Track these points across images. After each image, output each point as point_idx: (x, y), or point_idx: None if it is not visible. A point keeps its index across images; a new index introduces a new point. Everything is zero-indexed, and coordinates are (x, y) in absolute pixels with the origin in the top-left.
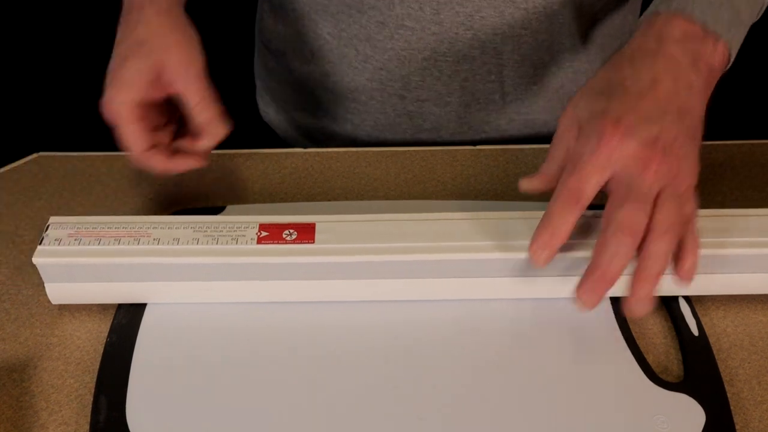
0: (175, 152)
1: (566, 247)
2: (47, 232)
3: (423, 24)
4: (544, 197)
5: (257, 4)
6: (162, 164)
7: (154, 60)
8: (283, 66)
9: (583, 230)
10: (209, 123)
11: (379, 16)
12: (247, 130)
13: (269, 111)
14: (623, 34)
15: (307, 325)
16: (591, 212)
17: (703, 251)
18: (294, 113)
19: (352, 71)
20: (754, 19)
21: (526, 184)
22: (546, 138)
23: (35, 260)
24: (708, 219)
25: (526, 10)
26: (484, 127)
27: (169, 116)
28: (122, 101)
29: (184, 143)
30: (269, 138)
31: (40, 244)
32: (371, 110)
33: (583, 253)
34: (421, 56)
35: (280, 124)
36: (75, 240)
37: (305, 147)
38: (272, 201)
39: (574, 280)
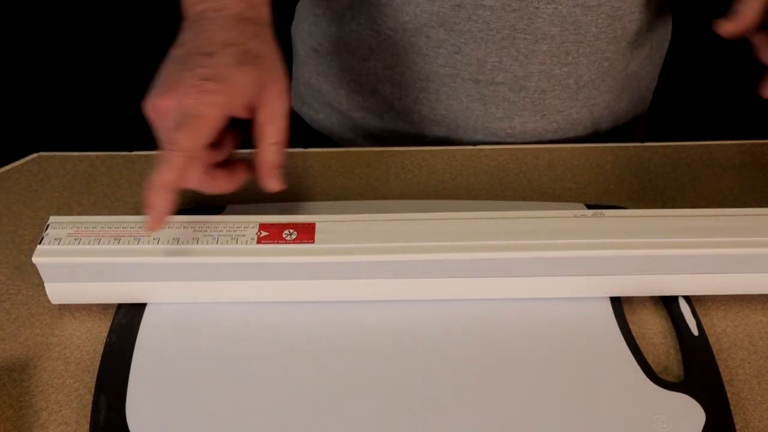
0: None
1: (566, 247)
2: (47, 232)
3: (503, 1)
4: (543, 197)
5: (295, 14)
6: (197, 180)
7: (264, 78)
8: (336, 68)
9: (583, 230)
10: (272, 168)
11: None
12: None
13: (319, 117)
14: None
15: (306, 325)
16: (591, 211)
17: (703, 251)
18: (352, 114)
19: (421, 59)
20: None
21: (724, 26)
22: (613, 132)
23: (35, 260)
24: (708, 219)
25: None
26: (557, 117)
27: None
28: (221, 102)
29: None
30: (322, 144)
31: (40, 243)
32: (442, 98)
33: (583, 253)
34: (499, 36)
35: (334, 129)
36: (75, 240)
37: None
38: (272, 201)
39: (574, 280)
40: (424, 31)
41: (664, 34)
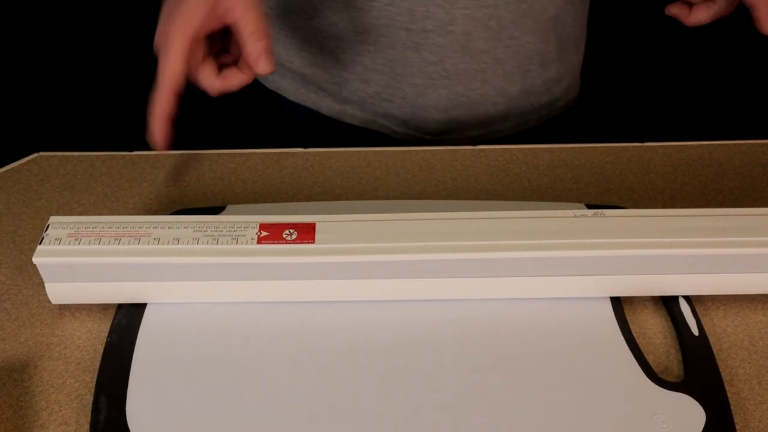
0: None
1: (566, 247)
2: (47, 232)
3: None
4: (543, 197)
5: None
6: (210, 80)
7: None
8: (286, 29)
9: (583, 230)
10: (260, 53)
11: None
12: (253, 106)
13: (274, 78)
14: None
15: (306, 325)
16: (591, 211)
17: (703, 251)
18: (303, 71)
19: (358, 13)
20: None
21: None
22: (546, 81)
23: (35, 260)
24: (708, 219)
25: None
26: (484, 57)
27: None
28: (180, 33)
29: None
30: (276, 105)
31: (40, 243)
32: (381, 48)
33: (583, 253)
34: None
35: (288, 87)
36: (75, 240)
37: (317, 102)
38: (272, 201)
39: (574, 280)
40: None
41: None
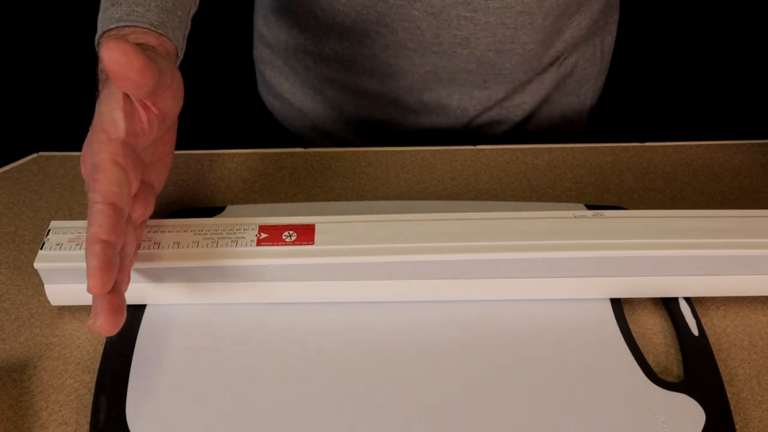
0: None
1: (566, 248)
2: (48, 237)
3: (424, 45)
4: (543, 197)
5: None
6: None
7: None
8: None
9: (583, 231)
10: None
11: (383, 40)
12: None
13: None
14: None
15: (306, 327)
16: (591, 211)
17: (703, 252)
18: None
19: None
20: None
21: None
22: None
23: (36, 265)
24: (708, 219)
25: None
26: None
27: None
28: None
29: None
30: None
31: (41, 249)
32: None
33: (583, 254)
34: (423, 70)
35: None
36: (76, 245)
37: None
38: (272, 201)
39: (574, 281)
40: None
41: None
